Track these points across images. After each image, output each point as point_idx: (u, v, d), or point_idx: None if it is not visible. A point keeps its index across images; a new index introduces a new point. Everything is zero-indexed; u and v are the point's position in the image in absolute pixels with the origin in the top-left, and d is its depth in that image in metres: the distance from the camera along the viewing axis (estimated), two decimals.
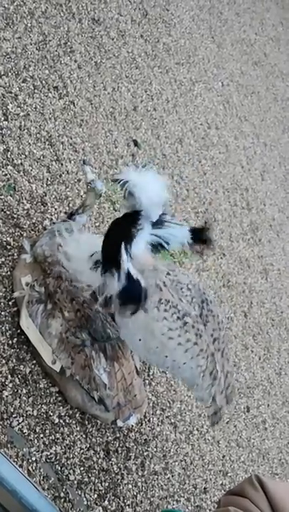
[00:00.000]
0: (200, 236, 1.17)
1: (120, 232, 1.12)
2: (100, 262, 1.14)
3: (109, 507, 1.33)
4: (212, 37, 3.18)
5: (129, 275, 1.06)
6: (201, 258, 1.22)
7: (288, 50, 4.28)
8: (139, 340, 1.17)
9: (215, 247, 1.18)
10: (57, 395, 1.33)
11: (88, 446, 1.35)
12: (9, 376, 1.25)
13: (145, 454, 1.50)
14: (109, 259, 1.09)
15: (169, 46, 2.65)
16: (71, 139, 1.78)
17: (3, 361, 1.26)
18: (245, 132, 3.06)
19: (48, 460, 1.24)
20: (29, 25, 1.83)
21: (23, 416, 1.24)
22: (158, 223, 1.15)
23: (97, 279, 1.16)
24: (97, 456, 1.36)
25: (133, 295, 1.08)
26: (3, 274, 1.37)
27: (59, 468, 1.26)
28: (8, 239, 1.42)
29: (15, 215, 1.47)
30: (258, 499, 0.78)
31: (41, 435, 1.26)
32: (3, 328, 1.30)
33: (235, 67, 3.30)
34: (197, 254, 1.19)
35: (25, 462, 1.20)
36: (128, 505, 1.38)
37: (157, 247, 1.18)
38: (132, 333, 1.17)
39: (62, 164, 1.69)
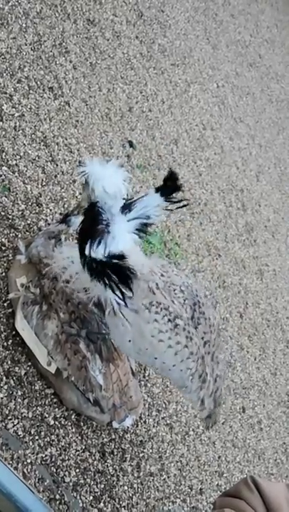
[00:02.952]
0: (168, 190, 1.09)
1: (84, 232, 1.09)
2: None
3: (105, 509, 1.33)
4: (207, 38, 3.19)
5: (98, 261, 1.05)
6: (181, 207, 1.15)
7: (283, 51, 4.30)
8: (129, 341, 1.15)
9: (184, 190, 1.10)
10: (52, 396, 1.32)
11: (84, 447, 1.34)
12: (4, 378, 1.25)
13: (141, 455, 1.50)
14: (86, 265, 1.08)
15: (164, 47, 2.66)
16: (66, 139, 1.78)
17: None
18: (241, 133, 3.07)
19: (43, 462, 1.24)
20: (24, 25, 1.82)
21: (18, 418, 1.23)
22: (127, 207, 1.11)
23: (98, 289, 1.14)
24: (93, 457, 1.35)
25: (119, 273, 1.06)
26: None
27: (54, 470, 1.26)
28: (3, 240, 1.41)
29: (10, 216, 1.46)
30: (253, 500, 0.78)
31: (36, 437, 1.25)
32: None
33: (231, 69, 3.32)
34: (177, 207, 1.13)
35: (20, 464, 1.19)
36: (124, 506, 1.37)
37: (142, 229, 1.13)
38: (121, 334, 1.16)
39: (57, 165, 1.69)
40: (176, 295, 1.16)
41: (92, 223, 1.07)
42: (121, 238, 1.08)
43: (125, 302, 1.09)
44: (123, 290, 1.07)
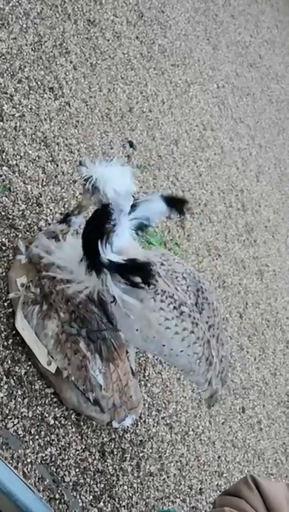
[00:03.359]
0: (174, 203, 1.16)
1: (94, 230, 1.11)
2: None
3: (105, 508, 1.33)
4: (207, 39, 3.20)
5: (116, 265, 1.07)
6: (180, 224, 1.23)
7: (283, 52, 4.31)
8: (136, 330, 1.18)
9: (191, 209, 1.18)
10: (52, 396, 1.32)
11: (84, 447, 1.34)
12: (4, 377, 1.25)
13: (141, 455, 1.50)
14: (92, 261, 1.10)
15: (164, 48, 2.66)
16: (66, 140, 1.78)
17: None
18: (241, 134, 3.07)
19: (43, 461, 1.24)
20: (24, 26, 1.83)
21: (18, 417, 1.23)
22: (132, 207, 1.14)
23: (93, 281, 1.16)
24: (93, 457, 1.35)
25: (138, 273, 1.08)
26: None
27: (54, 469, 1.26)
28: (3, 240, 1.42)
29: (10, 216, 1.47)
30: (253, 499, 0.78)
31: (36, 436, 1.25)
32: None
33: (231, 69, 3.32)
34: (177, 218, 1.19)
35: (20, 464, 1.19)
36: (124, 506, 1.38)
37: (141, 228, 1.17)
38: (129, 324, 1.18)
39: (57, 165, 1.69)
40: (178, 282, 1.19)
41: (102, 223, 1.09)
42: (122, 235, 1.10)
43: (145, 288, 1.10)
44: (143, 285, 1.09)
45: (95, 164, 1.08)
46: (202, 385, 1.28)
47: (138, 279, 1.07)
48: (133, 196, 1.12)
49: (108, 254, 1.08)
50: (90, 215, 1.18)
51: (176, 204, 1.16)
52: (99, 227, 1.10)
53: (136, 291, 1.12)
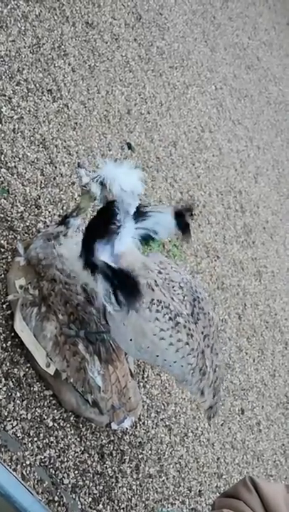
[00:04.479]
0: (182, 220, 1.15)
1: (96, 228, 1.11)
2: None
3: (104, 510, 1.32)
4: (205, 41, 3.21)
5: (112, 270, 1.07)
6: (185, 241, 1.22)
7: (281, 54, 4.32)
8: (130, 340, 1.17)
9: (191, 233, 1.18)
10: (51, 398, 1.32)
11: (82, 449, 1.34)
12: (3, 379, 1.25)
13: (140, 456, 1.50)
14: (86, 258, 1.10)
15: (162, 50, 2.67)
16: (65, 142, 1.78)
17: None
18: (239, 135, 3.08)
19: (42, 464, 1.24)
20: (23, 28, 1.83)
21: (17, 419, 1.23)
22: (141, 215, 1.14)
23: (89, 280, 1.17)
24: (92, 459, 1.35)
25: (126, 288, 1.08)
26: None
27: (53, 471, 1.26)
28: (2, 242, 1.42)
29: (9, 218, 1.47)
30: (252, 501, 0.78)
31: (35, 439, 1.25)
32: None
33: (229, 71, 3.33)
34: (180, 238, 1.18)
35: (19, 466, 1.19)
36: (123, 508, 1.37)
37: (147, 239, 1.17)
38: (123, 333, 1.17)
39: (56, 167, 1.69)
40: (175, 292, 1.18)
41: (106, 222, 1.09)
42: (124, 240, 1.10)
43: (120, 307, 1.10)
44: (122, 299, 1.08)
45: (107, 163, 1.08)
46: (195, 394, 1.27)
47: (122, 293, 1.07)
48: (141, 199, 1.12)
49: (105, 255, 1.07)
50: (96, 212, 1.17)
51: (180, 217, 1.15)
52: (102, 225, 1.10)
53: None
